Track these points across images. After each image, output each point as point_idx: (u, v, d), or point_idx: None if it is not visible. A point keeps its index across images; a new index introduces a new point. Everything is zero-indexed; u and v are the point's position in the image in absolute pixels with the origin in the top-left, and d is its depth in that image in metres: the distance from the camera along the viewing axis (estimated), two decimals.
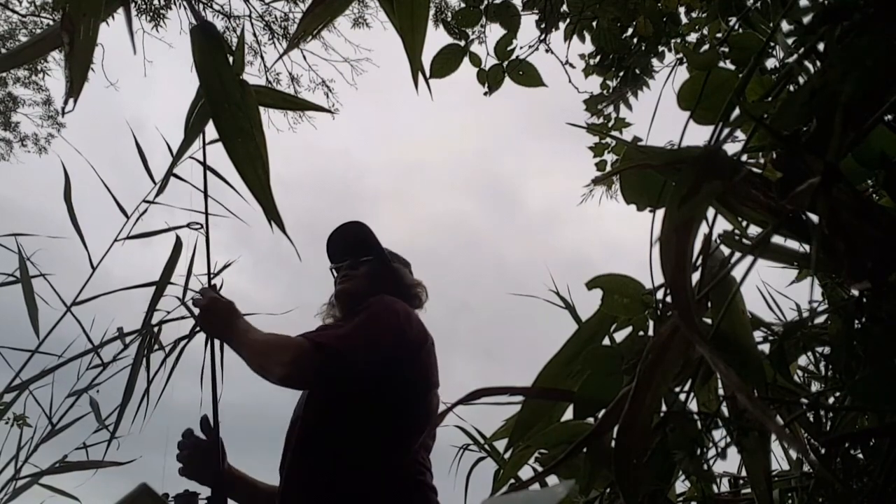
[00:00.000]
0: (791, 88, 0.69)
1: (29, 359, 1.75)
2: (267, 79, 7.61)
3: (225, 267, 2.13)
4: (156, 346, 1.92)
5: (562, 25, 2.45)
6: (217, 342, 1.58)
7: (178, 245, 1.90)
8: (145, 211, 1.93)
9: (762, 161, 0.69)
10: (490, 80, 1.89)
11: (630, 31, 2.48)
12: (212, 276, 1.76)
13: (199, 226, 1.74)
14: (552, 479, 0.74)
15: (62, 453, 1.83)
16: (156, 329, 1.93)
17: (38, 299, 1.79)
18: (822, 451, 0.73)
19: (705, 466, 0.68)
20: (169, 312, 1.99)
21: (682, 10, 2.44)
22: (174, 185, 1.92)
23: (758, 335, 0.81)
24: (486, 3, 1.90)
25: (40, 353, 1.76)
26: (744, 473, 0.92)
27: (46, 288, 1.83)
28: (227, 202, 1.83)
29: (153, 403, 1.88)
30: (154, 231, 1.93)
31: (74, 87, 0.75)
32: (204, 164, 1.66)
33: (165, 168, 1.90)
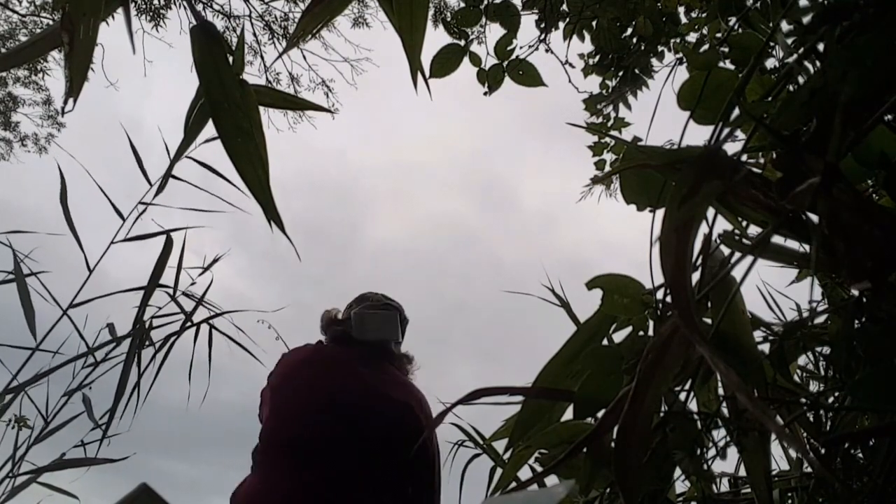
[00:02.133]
0: (791, 88, 0.69)
1: (28, 359, 1.75)
2: (267, 79, 7.61)
3: (215, 261, 2.15)
4: (147, 343, 1.95)
5: (561, 25, 2.45)
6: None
7: (167, 245, 1.92)
8: (143, 211, 1.94)
9: (762, 161, 0.69)
10: (490, 79, 1.89)
11: (630, 30, 2.47)
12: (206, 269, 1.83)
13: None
14: (552, 479, 0.74)
15: (59, 452, 1.83)
16: (147, 325, 1.95)
17: (35, 297, 1.80)
18: (822, 451, 0.73)
19: (705, 466, 0.68)
20: (160, 308, 2.02)
21: (681, 10, 2.44)
22: (171, 185, 1.93)
23: (758, 335, 0.81)
24: (486, 2, 1.89)
25: (38, 350, 1.77)
26: (744, 473, 0.92)
27: (45, 284, 1.84)
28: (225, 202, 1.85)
29: (143, 400, 1.92)
30: (149, 234, 1.96)
31: (74, 87, 0.74)
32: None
33: (164, 167, 1.91)
